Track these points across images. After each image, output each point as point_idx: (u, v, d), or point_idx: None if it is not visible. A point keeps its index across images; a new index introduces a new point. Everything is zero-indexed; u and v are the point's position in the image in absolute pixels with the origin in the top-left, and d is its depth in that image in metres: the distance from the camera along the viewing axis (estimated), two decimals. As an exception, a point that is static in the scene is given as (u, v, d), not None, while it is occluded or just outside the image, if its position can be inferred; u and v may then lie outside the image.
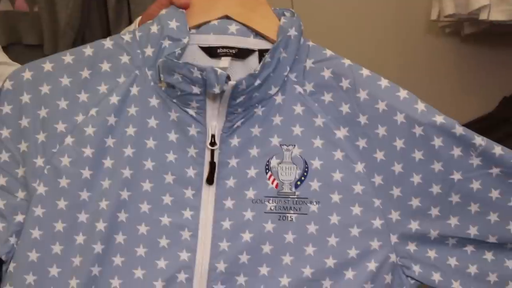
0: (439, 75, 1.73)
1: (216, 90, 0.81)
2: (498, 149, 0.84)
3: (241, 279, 0.83)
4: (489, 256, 0.87)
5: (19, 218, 0.83)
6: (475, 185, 0.84)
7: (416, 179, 0.85)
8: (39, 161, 0.84)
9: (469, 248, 0.87)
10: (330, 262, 0.84)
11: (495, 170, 0.84)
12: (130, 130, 0.85)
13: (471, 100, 1.73)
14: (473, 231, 0.86)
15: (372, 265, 0.85)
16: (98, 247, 0.82)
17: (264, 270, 0.84)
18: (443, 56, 1.74)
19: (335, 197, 0.85)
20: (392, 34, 1.73)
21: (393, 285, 0.86)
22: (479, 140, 0.84)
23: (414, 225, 0.86)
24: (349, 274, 0.85)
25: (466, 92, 1.75)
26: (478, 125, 1.60)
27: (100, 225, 0.82)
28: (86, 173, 0.83)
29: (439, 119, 0.84)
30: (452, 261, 0.87)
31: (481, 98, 1.71)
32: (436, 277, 0.86)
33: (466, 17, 1.46)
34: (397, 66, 1.67)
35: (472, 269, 0.87)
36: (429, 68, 1.72)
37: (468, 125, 1.58)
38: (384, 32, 1.72)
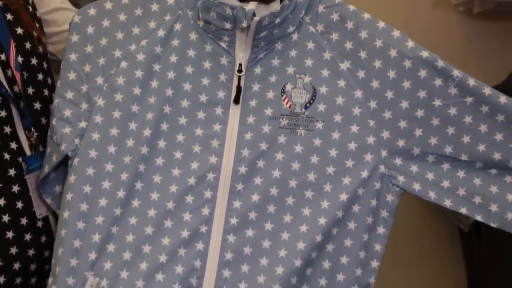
0: (452, 51, 1.87)
1: (244, 24, 1.00)
2: (471, 81, 1.02)
3: (257, 180, 1.02)
4: (460, 174, 1.04)
5: (83, 124, 1.02)
6: (452, 111, 1.02)
7: (404, 104, 1.03)
8: (99, 80, 1.03)
9: (445, 166, 1.04)
10: (331, 170, 1.03)
11: (469, 99, 1.02)
12: (173, 58, 1.04)
13: (480, 74, 1.87)
14: (448, 149, 1.03)
15: (364, 174, 1.03)
16: (144, 149, 1.01)
17: (276, 173, 1.02)
18: (456, 32, 1.89)
19: (337, 118, 1.03)
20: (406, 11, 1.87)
21: (381, 191, 1.04)
22: (457, 72, 1.02)
23: (401, 143, 1.04)
24: (346, 180, 1.03)
25: (476, 66, 1.88)
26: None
27: (147, 132, 1.01)
28: (137, 90, 1.03)
29: (425, 54, 1.02)
30: (430, 176, 1.04)
31: (491, 72, 1.85)
32: (416, 186, 1.04)
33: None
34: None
35: (445, 184, 1.04)
36: (441, 44, 1.87)
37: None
38: (398, 8, 1.85)
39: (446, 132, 1.03)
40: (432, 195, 1.04)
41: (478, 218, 1.03)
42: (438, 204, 1.05)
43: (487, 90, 1.01)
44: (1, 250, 1.04)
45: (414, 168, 1.04)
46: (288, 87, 1.03)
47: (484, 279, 1.73)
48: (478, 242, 1.74)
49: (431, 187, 1.04)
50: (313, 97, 1.03)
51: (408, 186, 1.04)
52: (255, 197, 1.01)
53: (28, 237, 1.08)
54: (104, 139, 1.02)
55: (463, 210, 1.04)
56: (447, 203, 1.04)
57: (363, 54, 1.03)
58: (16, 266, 1.06)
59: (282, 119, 1.03)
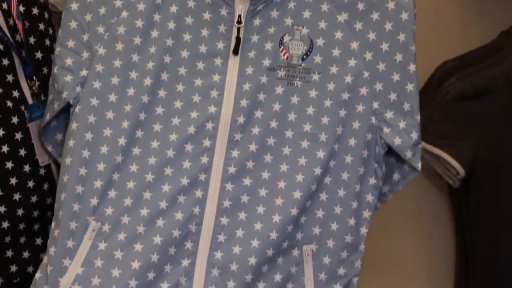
0: (446, 9, 1.89)
1: None
2: None
3: (255, 130, 1.04)
4: None
5: (84, 72, 1.04)
6: None
7: (398, 57, 1.05)
8: (100, 29, 1.05)
9: None
10: (325, 120, 1.05)
11: None
12: (173, 9, 1.05)
13: (473, 34, 1.89)
14: None
15: (356, 124, 1.06)
16: (144, 98, 1.03)
17: (273, 124, 1.04)
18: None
19: (333, 69, 1.05)
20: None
21: (371, 143, 1.07)
22: None
23: (392, 96, 1.06)
24: (339, 130, 1.05)
25: (469, 26, 1.90)
26: (476, 54, 1.78)
27: (147, 81, 1.03)
28: (137, 40, 1.04)
29: None
30: (414, 135, 1.07)
31: (482, 31, 1.87)
32: (397, 141, 1.07)
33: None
34: None
35: None
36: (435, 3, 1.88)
37: (468, 53, 1.78)
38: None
39: None
40: (408, 154, 1.07)
41: None
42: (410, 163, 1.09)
43: None
44: (5, 196, 1.06)
45: (402, 124, 1.07)
46: (286, 38, 1.05)
47: (474, 237, 1.76)
48: (468, 199, 1.78)
49: (411, 146, 1.07)
50: (310, 49, 1.05)
51: (390, 139, 1.07)
52: (253, 147, 1.04)
53: (31, 184, 1.10)
54: (105, 87, 1.03)
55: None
56: (419, 165, 1.08)
57: (361, 6, 1.05)
58: (20, 212, 1.09)
59: (280, 70, 1.05)
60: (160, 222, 1.01)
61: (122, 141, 1.02)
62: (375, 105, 1.06)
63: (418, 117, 1.07)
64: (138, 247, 1.00)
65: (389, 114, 1.06)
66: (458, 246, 1.96)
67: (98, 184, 1.01)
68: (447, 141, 1.60)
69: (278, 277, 1.05)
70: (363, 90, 1.05)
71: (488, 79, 1.67)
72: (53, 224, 1.03)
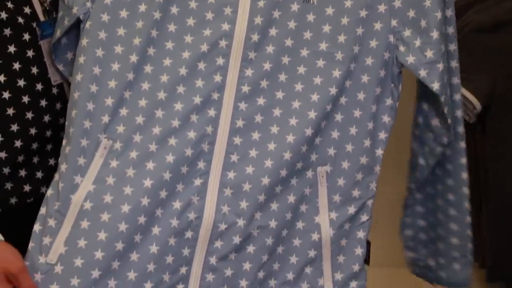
0: None
1: None
2: None
3: (269, 48, 1.01)
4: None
5: None
6: None
7: None
8: None
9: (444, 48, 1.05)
10: (342, 38, 1.02)
11: None
12: None
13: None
14: (450, 30, 1.07)
15: (373, 43, 1.03)
16: (156, 15, 1.00)
17: (288, 42, 1.01)
18: None
19: None
20: None
21: (388, 61, 1.04)
22: None
23: (411, 13, 1.03)
24: (356, 48, 1.03)
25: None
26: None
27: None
28: None
29: None
30: (429, 53, 1.03)
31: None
32: (410, 59, 1.04)
33: None
34: None
35: (441, 66, 1.04)
36: None
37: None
38: None
39: None
40: (422, 73, 1.04)
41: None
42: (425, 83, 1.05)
43: None
44: (18, 114, 1.06)
45: (417, 42, 1.04)
46: None
47: (489, 172, 1.75)
48: (483, 135, 1.76)
49: (425, 65, 1.04)
50: None
51: (403, 57, 1.04)
52: (267, 66, 1.02)
53: (43, 103, 1.09)
54: (116, 3, 1.01)
55: (442, 98, 1.06)
56: (435, 85, 1.04)
57: None
58: (33, 131, 1.08)
59: None
60: (172, 141, 1.00)
61: (133, 58, 1.00)
62: (394, 22, 1.03)
63: (434, 34, 1.03)
64: (150, 165, 0.99)
65: (407, 32, 1.04)
66: (472, 183, 1.96)
67: (109, 101, 1.00)
68: (464, 75, 1.57)
69: (291, 198, 1.04)
70: (382, 7, 1.03)
71: (507, 11, 1.63)
72: (64, 141, 1.02)
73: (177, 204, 1.00)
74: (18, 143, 1.06)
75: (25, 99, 1.06)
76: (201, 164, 1.01)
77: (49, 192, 1.01)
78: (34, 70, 1.08)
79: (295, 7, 1.02)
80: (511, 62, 1.64)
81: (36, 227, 1.00)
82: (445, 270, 1.26)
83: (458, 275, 1.26)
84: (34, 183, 1.11)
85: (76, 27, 1.05)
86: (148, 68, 1.01)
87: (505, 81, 1.65)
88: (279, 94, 1.02)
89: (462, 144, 1.18)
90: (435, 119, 1.13)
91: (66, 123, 1.02)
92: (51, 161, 1.13)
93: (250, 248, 1.03)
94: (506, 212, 1.72)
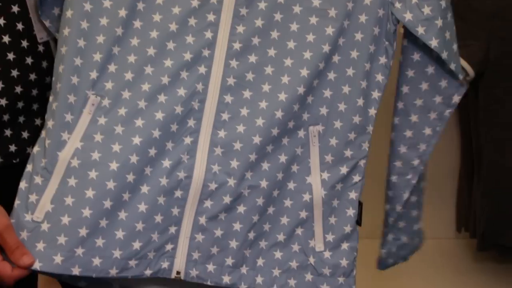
0: None
1: None
2: None
3: (262, 5, 0.98)
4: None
5: None
6: None
7: None
8: None
9: (443, 3, 1.02)
10: None
11: None
12: None
13: None
14: None
15: (367, 0, 1.02)
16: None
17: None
18: None
19: None
20: None
21: (383, 18, 1.02)
22: None
23: None
24: (349, 5, 1.00)
25: None
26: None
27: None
28: None
29: None
30: (426, 10, 1.01)
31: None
32: (408, 16, 1.02)
33: None
34: None
35: (439, 22, 1.02)
36: None
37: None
38: None
39: None
40: (420, 30, 1.02)
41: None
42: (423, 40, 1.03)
43: None
44: (2, 71, 1.03)
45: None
46: None
47: (482, 139, 1.74)
48: (476, 101, 1.75)
49: (422, 21, 1.02)
50: None
51: (400, 14, 1.02)
52: (259, 22, 1.00)
53: (29, 60, 1.07)
54: None
55: (444, 55, 1.04)
56: (433, 43, 1.02)
57: None
58: (18, 89, 1.05)
59: None
60: (162, 98, 0.98)
61: (122, 12, 0.98)
62: None
63: None
64: (139, 122, 0.97)
65: None
66: (464, 151, 1.95)
67: (97, 57, 0.97)
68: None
69: (283, 158, 1.02)
70: None
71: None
72: (51, 97, 1.00)
73: (166, 163, 0.99)
74: (3, 102, 1.03)
75: (10, 56, 1.04)
76: (191, 122, 0.99)
77: (36, 149, 0.99)
78: (20, 26, 1.05)
79: None
80: (505, 26, 1.62)
81: (22, 184, 0.98)
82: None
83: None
84: (20, 143, 1.08)
85: (63, -18, 1.02)
86: (137, 23, 0.99)
87: (498, 46, 1.64)
88: (271, 52, 1.00)
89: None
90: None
91: (53, 78, 0.99)
92: (37, 121, 1.11)
93: (241, 208, 1.01)
94: (498, 179, 1.71)
